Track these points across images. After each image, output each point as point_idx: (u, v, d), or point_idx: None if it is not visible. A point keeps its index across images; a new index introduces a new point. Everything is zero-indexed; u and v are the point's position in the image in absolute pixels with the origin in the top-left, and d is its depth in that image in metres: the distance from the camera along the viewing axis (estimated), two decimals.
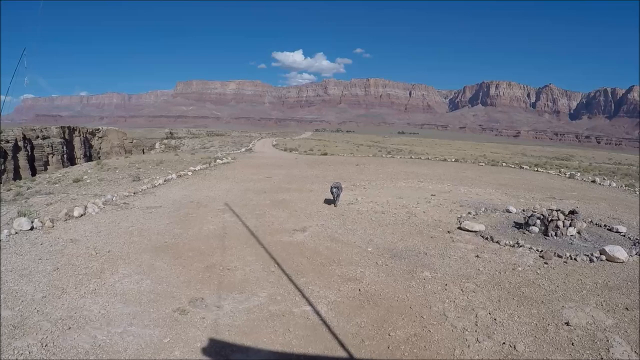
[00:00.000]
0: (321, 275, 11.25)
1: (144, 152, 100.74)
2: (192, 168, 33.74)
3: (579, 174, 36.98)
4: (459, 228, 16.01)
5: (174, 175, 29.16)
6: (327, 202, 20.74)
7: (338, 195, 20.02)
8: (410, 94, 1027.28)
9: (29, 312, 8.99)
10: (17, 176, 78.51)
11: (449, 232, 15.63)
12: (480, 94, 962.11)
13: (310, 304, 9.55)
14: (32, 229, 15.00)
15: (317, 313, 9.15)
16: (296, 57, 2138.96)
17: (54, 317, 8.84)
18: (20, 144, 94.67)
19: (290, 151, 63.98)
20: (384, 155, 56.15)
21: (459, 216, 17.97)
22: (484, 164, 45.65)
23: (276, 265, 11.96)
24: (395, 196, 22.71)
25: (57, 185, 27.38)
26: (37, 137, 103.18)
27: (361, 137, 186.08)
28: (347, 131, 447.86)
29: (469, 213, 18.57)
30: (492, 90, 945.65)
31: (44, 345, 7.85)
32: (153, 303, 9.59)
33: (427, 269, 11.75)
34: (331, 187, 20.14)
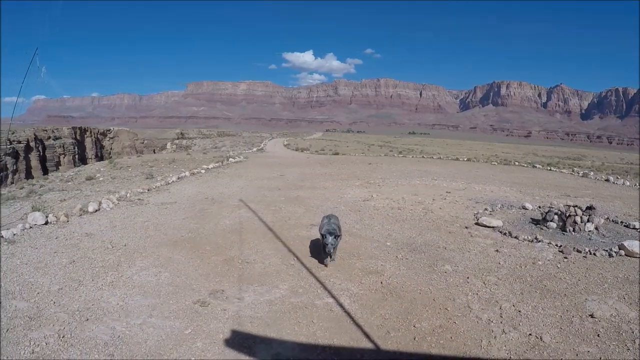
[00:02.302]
0: (342, 269, 11.21)
1: (155, 152, 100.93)
2: (204, 166, 33.84)
3: (592, 173, 36.74)
4: (477, 224, 15.94)
5: (187, 173, 29.22)
6: (313, 247, 13.19)
7: (335, 247, 11.34)
8: (420, 94, 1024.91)
9: (45, 304, 9.01)
10: (29, 176, 78.90)
11: (466, 227, 15.56)
12: (491, 94, 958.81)
13: (333, 296, 9.52)
14: (46, 223, 15.12)
15: (340, 305, 9.11)
16: (306, 58, 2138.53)
17: (70, 308, 8.85)
18: (32, 144, 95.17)
19: (302, 151, 63.97)
20: (395, 155, 56.07)
21: (475, 212, 17.91)
22: (496, 164, 45.49)
23: (295, 259, 11.94)
24: (411, 193, 22.65)
25: (70, 183, 27.57)
26: (49, 137, 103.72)
27: (372, 137, 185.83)
28: (357, 131, 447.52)
29: (485, 209, 18.49)
30: (503, 90, 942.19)
31: (61, 336, 7.83)
32: (172, 295, 9.58)
33: (448, 262, 11.70)
34: (324, 233, 11.26)
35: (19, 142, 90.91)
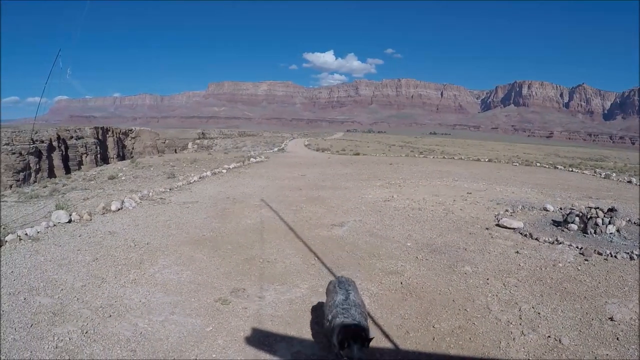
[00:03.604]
0: (362, 269, 11.30)
1: (176, 152, 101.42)
2: (226, 166, 34.01)
3: (614, 174, 36.40)
4: (497, 225, 15.91)
5: (208, 173, 29.42)
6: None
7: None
8: (441, 94, 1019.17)
9: (68, 300, 9.21)
10: (51, 175, 79.44)
11: (487, 228, 15.55)
12: (513, 94, 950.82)
13: None
14: (70, 221, 15.39)
15: None
16: (327, 58, 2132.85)
17: (94, 305, 9.03)
18: (55, 144, 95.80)
19: (323, 151, 63.95)
20: (416, 155, 55.87)
21: (496, 214, 17.86)
22: (517, 164, 45.18)
23: (316, 259, 12.05)
24: (431, 194, 22.64)
25: (92, 182, 27.83)
26: (71, 137, 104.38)
27: (393, 137, 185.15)
28: (378, 132, 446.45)
29: (506, 211, 18.45)
30: (525, 90, 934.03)
31: (85, 332, 8.00)
32: (194, 293, 9.74)
33: (468, 263, 11.73)
34: (341, 338, 6.40)
35: (42, 141, 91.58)
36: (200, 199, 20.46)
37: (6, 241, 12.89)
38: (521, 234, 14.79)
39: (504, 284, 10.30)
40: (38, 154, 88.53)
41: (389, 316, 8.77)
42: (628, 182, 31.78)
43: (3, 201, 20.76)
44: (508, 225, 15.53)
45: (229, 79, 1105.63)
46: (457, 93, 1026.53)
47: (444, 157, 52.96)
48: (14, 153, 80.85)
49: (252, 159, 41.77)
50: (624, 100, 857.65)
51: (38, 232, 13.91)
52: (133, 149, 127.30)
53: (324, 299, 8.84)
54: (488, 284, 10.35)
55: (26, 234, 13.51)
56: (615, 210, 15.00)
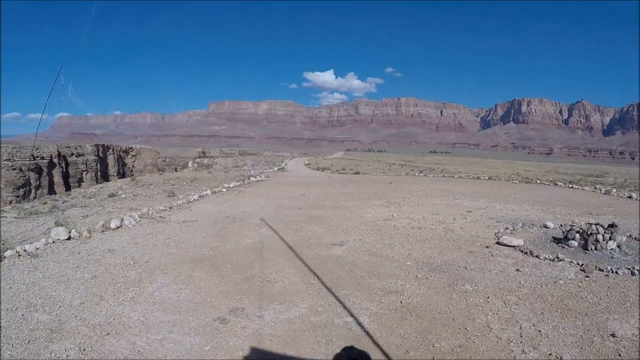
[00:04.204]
0: (361, 288, 11.24)
1: (176, 171, 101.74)
2: (226, 185, 34.07)
3: (614, 190, 36.43)
4: (497, 243, 15.90)
5: (208, 192, 29.49)
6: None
7: None
8: (441, 112, 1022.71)
9: (66, 317, 9.17)
10: (51, 191, 79.77)
11: (487, 247, 15.52)
12: (512, 111, 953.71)
13: (352, 315, 9.55)
14: (69, 238, 15.43)
15: (360, 324, 9.14)
16: (327, 77, 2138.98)
17: (92, 322, 8.98)
18: (55, 160, 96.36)
19: (323, 170, 64.05)
20: (416, 174, 55.95)
21: (496, 232, 17.86)
22: (517, 182, 45.28)
23: (315, 278, 11.99)
24: (431, 212, 22.64)
25: (92, 199, 27.90)
26: (72, 154, 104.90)
27: (393, 156, 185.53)
28: (378, 151, 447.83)
29: (507, 228, 18.46)
30: (524, 108, 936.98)
31: (82, 349, 7.94)
32: (193, 312, 9.67)
33: (468, 282, 11.68)
34: None
35: (43, 158, 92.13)
36: (200, 218, 20.46)
37: (5, 257, 12.91)
38: (521, 251, 14.76)
39: (504, 302, 10.25)
40: (38, 170, 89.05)
41: (389, 335, 8.72)
42: (628, 197, 31.86)
43: (3, 217, 20.84)
44: (508, 243, 15.50)
45: (229, 98, 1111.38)
46: (456, 111, 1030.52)
47: (444, 176, 53.10)
48: (14, 169, 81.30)
49: (252, 178, 41.86)
50: (623, 115, 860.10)
51: (37, 249, 13.94)
52: (133, 166, 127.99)
53: (323, 318, 8.80)
54: (488, 302, 10.29)
55: (25, 250, 13.53)
56: (616, 226, 15.00)
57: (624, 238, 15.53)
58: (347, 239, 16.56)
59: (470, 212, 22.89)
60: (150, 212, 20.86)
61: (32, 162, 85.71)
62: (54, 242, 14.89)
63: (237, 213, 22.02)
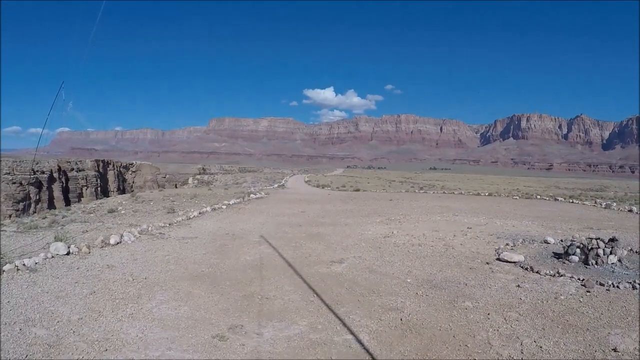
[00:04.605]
0: (361, 305, 11.17)
1: (176, 187, 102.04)
2: (226, 202, 34.13)
3: (615, 204, 36.43)
4: (498, 259, 15.84)
5: (208, 209, 29.53)
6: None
7: None
8: (441, 129, 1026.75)
9: (64, 333, 9.13)
10: (51, 206, 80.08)
11: (487, 263, 15.46)
12: (512, 127, 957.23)
13: (352, 333, 9.49)
14: (68, 253, 15.47)
15: (359, 342, 9.08)
16: (327, 94, 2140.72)
17: (90, 338, 8.93)
18: (55, 175, 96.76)
19: (323, 187, 64.12)
20: (416, 191, 56.06)
21: (496, 248, 17.81)
22: (518, 198, 45.35)
23: (315, 295, 11.93)
24: (431, 229, 22.61)
25: (92, 215, 28.01)
26: (72, 169, 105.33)
27: (393, 173, 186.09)
28: (378, 168, 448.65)
29: (507, 245, 18.41)
30: (523, 123, 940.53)
31: None
32: (191, 329, 9.61)
33: (468, 299, 11.62)
34: None
35: (43, 172, 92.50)
36: (200, 235, 20.46)
37: (3, 271, 12.94)
38: (522, 267, 14.71)
39: (505, 319, 10.19)
40: (38, 184, 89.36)
41: (389, 353, 8.66)
42: (629, 211, 31.92)
43: (2, 230, 20.93)
44: (509, 259, 15.46)
45: (230, 115, 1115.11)
46: (456, 128, 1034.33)
47: (444, 192, 53.23)
48: (14, 183, 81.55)
49: (252, 195, 41.94)
50: (622, 129, 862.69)
51: (36, 263, 13.97)
52: (133, 182, 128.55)
53: (322, 336, 8.75)
54: (489, 318, 10.24)
55: (24, 265, 13.55)
56: (616, 240, 15.00)
57: (625, 252, 15.52)
58: (347, 256, 16.50)
59: (471, 228, 22.87)
60: (149, 229, 20.89)
61: (32, 176, 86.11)
62: (53, 257, 14.94)
63: (236, 230, 22.02)
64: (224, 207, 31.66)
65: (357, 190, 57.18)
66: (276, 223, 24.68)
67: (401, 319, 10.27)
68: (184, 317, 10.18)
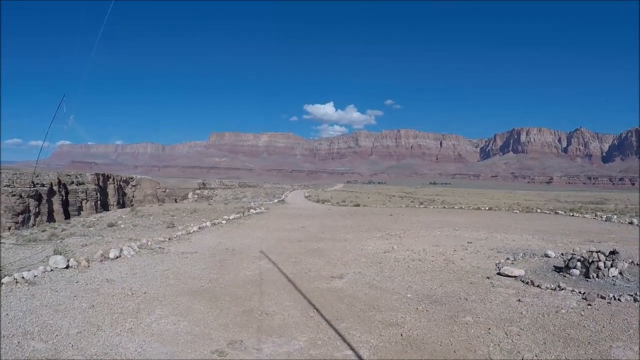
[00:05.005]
0: (361, 321, 11.11)
1: (176, 202, 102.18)
2: (226, 217, 34.11)
3: (615, 216, 36.44)
4: (498, 274, 15.78)
5: (208, 223, 29.55)
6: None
7: None
8: (441, 144, 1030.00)
9: (63, 346, 9.10)
10: (50, 219, 79.92)
11: (488, 277, 15.40)
12: (511, 141, 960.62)
13: (352, 349, 9.42)
14: (67, 267, 15.51)
15: (360, 358, 9.02)
16: (327, 110, 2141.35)
17: (88, 352, 8.89)
18: (55, 188, 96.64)
19: (323, 202, 64.14)
20: (417, 206, 56.10)
21: (497, 262, 17.74)
22: (518, 212, 45.38)
23: (315, 311, 11.87)
24: (431, 244, 22.56)
25: (91, 228, 28.04)
26: (72, 182, 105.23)
27: (393, 188, 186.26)
28: (378, 183, 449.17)
29: (507, 259, 18.35)
30: (523, 137, 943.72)
31: None
32: (191, 344, 9.55)
33: (469, 313, 11.56)
34: None
35: (43, 185, 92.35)
36: (199, 250, 20.46)
37: (2, 283, 12.97)
38: (522, 281, 14.66)
39: (506, 333, 10.14)
40: (38, 197, 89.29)
41: None
42: (629, 223, 31.93)
43: (1, 243, 20.91)
44: (509, 274, 15.40)
45: (230, 130, 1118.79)
46: (456, 142, 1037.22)
47: (444, 207, 53.25)
48: (14, 195, 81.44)
49: (252, 210, 41.92)
50: (622, 141, 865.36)
51: (35, 276, 13.98)
52: (133, 197, 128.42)
53: (322, 351, 8.71)
54: (490, 333, 10.18)
55: (23, 277, 13.58)
56: (617, 253, 14.96)
57: (626, 264, 15.46)
58: (347, 272, 16.44)
59: (471, 243, 22.83)
60: (149, 243, 20.91)
61: (32, 189, 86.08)
62: (52, 270, 14.97)
63: (236, 245, 21.99)
64: (224, 222, 31.66)
65: (357, 205, 57.18)
66: (276, 238, 24.64)
67: (401, 335, 10.21)
68: (183, 332, 10.13)
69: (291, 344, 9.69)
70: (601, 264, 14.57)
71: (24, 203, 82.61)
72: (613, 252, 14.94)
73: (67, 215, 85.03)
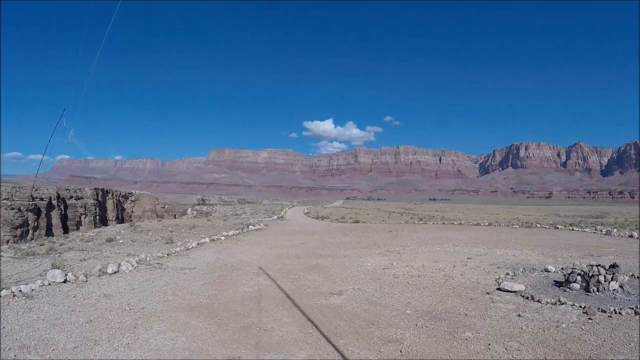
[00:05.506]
0: (360, 337, 11.04)
1: (175, 217, 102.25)
2: (224, 233, 34.20)
3: (615, 230, 36.45)
4: (498, 289, 15.71)
5: (207, 239, 29.57)
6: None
7: None
8: (440, 160, 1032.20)
9: None
10: (49, 233, 79.97)
11: (488, 293, 15.34)
12: (510, 156, 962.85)
13: None
14: (65, 281, 15.51)
15: None
16: (327, 126, 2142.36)
17: None
18: (54, 202, 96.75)
19: (322, 219, 64.15)
20: (416, 222, 56.12)
21: (497, 277, 17.69)
22: (517, 227, 45.39)
23: (314, 327, 11.80)
24: (431, 260, 22.50)
25: (90, 243, 28.15)
26: (71, 197, 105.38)
27: (392, 204, 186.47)
28: (378, 199, 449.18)
29: (507, 274, 18.30)
30: (522, 152, 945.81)
31: None
32: None
33: (469, 329, 11.49)
34: None
35: (42, 199, 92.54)
36: (198, 266, 20.47)
37: (0, 296, 12.97)
38: (523, 296, 14.60)
39: (506, 349, 10.07)
40: (37, 211, 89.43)
41: None
42: (629, 236, 31.98)
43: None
44: (509, 289, 15.34)
45: (229, 146, 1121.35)
46: (455, 158, 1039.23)
47: (443, 223, 53.27)
48: (12, 208, 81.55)
49: (251, 227, 42.00)
50: (621, 155, 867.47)
51: (32, 290, 14.01)
52: (132, 212, 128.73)
53: None
54: (490, 349, 10.11)
55: (20, 291, 13.61)
56: (617, 267, 14.97)
57: (626, 278, 15.44)
58: (346, 288, 16.38)
59: (471, 258, 22.78)
60: (147, 259, 20.94)
61: (31, 202, 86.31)
62: (49, 284, 15.00)
63: (235, 261, 21.99)
64: (223, 238, 31.71)
65: (357, 221, 57.26)
66: (275, 255, 24.62)
67: (401, 351, 10.14)
68: (180, 348, 10.07)
69: None
70: (601, 278, 14.53)
71: (22, 217, 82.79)
72: (613, 266, 14.93)
73: (66, 230, 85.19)
